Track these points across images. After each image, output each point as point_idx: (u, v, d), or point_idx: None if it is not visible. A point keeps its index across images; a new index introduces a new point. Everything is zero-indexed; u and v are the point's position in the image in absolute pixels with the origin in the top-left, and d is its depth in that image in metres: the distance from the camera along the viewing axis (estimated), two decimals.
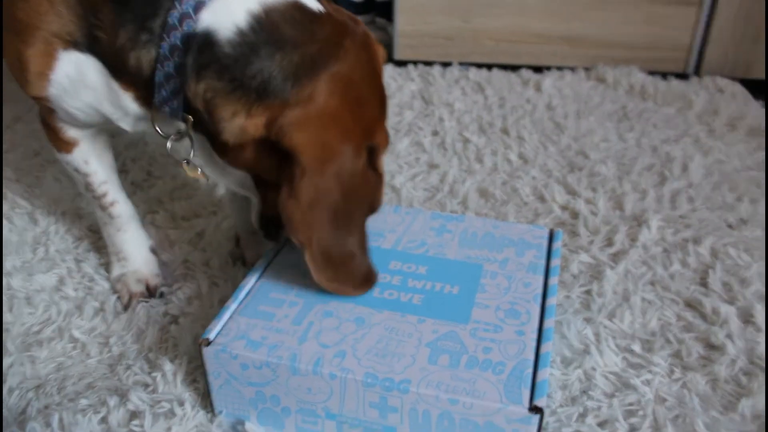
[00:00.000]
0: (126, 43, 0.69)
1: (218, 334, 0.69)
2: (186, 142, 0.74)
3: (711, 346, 0.84)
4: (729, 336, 0.85)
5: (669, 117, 1.51)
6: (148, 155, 1.28)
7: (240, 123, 0.66)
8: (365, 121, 0.70)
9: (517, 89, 1.65)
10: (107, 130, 0.87)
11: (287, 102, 0.65)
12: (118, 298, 0.91)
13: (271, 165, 0.69)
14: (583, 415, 0.74)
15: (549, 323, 0.71)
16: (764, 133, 1.42)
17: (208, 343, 0.67)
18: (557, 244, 0.84)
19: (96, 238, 1.04)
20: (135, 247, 0.94)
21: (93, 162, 0.86)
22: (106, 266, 0.97)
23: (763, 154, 1.33)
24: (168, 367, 0.78)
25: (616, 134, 1.42)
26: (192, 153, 0.75)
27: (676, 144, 1.37)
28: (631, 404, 0.75)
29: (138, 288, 0.92)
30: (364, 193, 0.72)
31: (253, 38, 0.66)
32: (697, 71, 1.77)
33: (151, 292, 0.92)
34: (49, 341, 0.84)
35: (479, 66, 1.80)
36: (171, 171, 1.23)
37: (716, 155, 1.32)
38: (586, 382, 0.78)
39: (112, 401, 0.73)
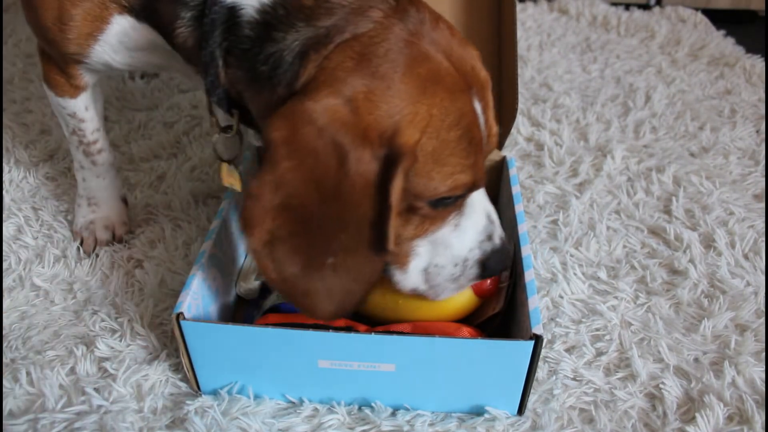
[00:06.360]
0: (173, 17, 0.61)
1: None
2: (235, 139, 0.65)
3: (674, 271, 0.86)
4: (691, 261, 0.86)
5: (632, 48, 1.51)
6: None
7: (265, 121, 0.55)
8: (385, 114, 0.53)
9: None
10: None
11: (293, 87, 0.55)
12: (81, 244, 0.89)
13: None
14: (551, 342, 0.75)
15: (526, 250, 0.69)
16: (725, 63, 1.43)
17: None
18: (512, 171, 0.83)
19: (54, 186, 1.00)
20: (109, 194, 0.91)
21: (91, 109, 0.82)
22: (66, 213, 0.95)
23: (723, 83, 1.34)
24: (134, 311, 0.77)
25: (580, 66, 1.41)
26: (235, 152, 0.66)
27: (639, 74, 1.37)
28: (597, 329, 0.76)
29: (105, 235, 0.90)
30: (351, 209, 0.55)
31: (271, 15, 0.56)
32: (659, 1, 1.76)
33: (116, 240, 0.90)
34: (10, 290, 0.82)
35: None
36: (126, 115, 1.19)
37: (679, 85, 1.33)
38: (553, 310, 0.79)
39: (80, 351, 0.72)
